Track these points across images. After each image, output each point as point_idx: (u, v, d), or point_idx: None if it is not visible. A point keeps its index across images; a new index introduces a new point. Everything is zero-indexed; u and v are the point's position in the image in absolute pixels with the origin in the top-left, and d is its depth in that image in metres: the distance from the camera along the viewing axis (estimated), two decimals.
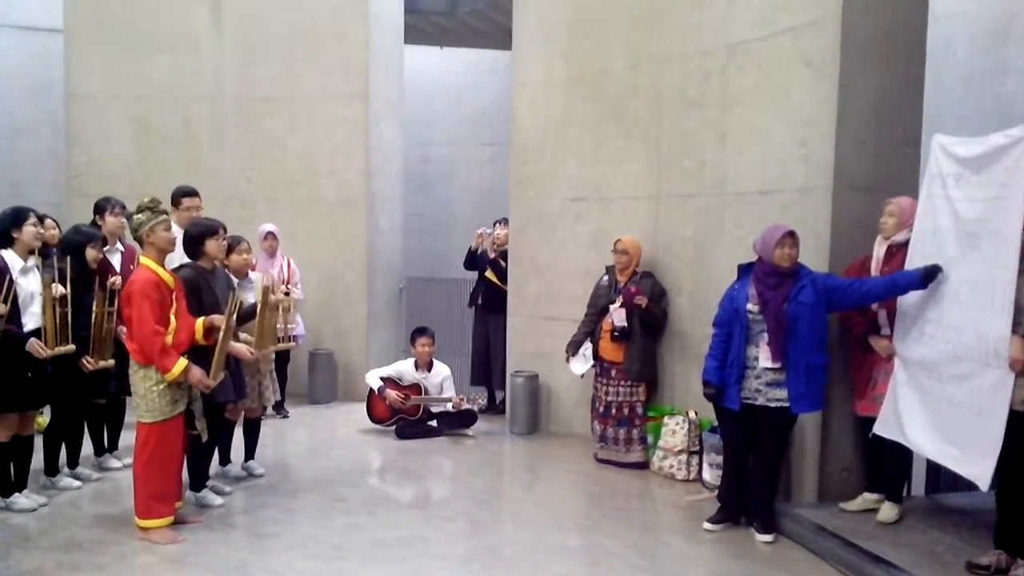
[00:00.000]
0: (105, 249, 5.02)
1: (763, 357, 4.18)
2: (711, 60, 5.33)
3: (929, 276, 3.86)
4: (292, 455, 5.80)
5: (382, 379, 6.31)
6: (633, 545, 4.19)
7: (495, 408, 7.08)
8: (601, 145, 6.11)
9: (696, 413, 5.32)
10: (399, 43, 8.11)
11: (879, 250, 4.30)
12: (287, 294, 5.33)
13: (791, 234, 4.18)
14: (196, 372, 4.05)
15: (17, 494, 4.44)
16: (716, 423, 4.80)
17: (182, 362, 4.00)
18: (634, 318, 5.42)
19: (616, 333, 5.43)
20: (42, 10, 8.24)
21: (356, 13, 7.34)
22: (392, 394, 6.22)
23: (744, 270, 4.39)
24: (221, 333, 4.14)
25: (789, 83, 4.82)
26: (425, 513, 4.73)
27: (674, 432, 5.32)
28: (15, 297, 4.23)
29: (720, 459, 4.95)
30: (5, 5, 8.44)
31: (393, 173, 7.97)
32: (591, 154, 6.16)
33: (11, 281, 4.16)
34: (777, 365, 4.15)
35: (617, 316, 5.43)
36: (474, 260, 7.17)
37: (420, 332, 6.47)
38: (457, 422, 6.37)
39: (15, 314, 4.25)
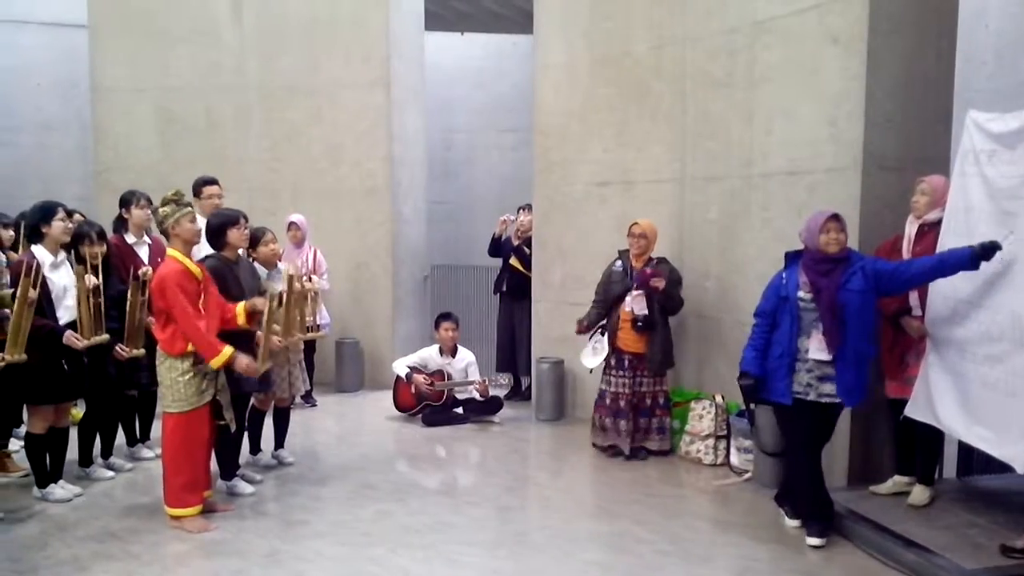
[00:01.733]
0: (132, 242, 5.08)
1: (814, 348, 3.93)
2: (737, 38, 5.24)
3: (983, 255, 3.57)
4: (321, 443, 5.85)
5: (408, 367, 6.35)
6: (661, 531, 4.18)
7: (520, 394, 7.08)
8: (625, 128, 6.05)
9: (723, 397, 5.29)
10: (420, 29, 8.08)
11: (910, 229, 4.20)
12: (310, 279, 5.35)
13: (835, 217, 3.92)
14: (243, 359, 4.12)
15: (53, 485, 4.53)
16: (743, 407, 4.76)
17: (228, 350, 4.05)
18: (654, 306, 5.21)
19: (639, 323, 5.20)
20: (67, 7, 8.32)
21: (376, 0, 7.32)
22: (419, 378, 6.25)
23: (792, 258, 4.12)
24: (265, 319, 4.21)
25: (816, 60, 4.73)
26: (452, 499, 4.75)
27: (701, 417, 5.29)
28: (48, 292, 4.29)
29: (748, 443, 4.92)
30: (31, 3, 8.54)
31: (416, 161, 7.96)
32: (615, 137, 6.11)
33: (41, 274, 4.21)
34: (829, 357, 3.90)
35: (637, 304, 5.20)
36: (498, 247, 7.15)
37: (444, 317, 6.49)
38: (483, 409, 6.38)
39: (49, 308, 4.31)
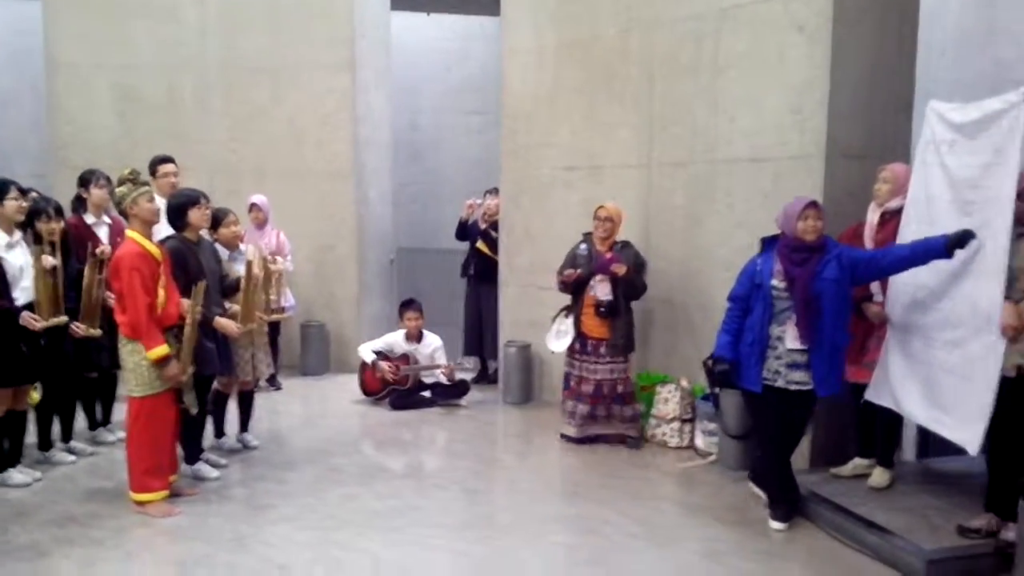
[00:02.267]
0: (92, 222, 4.98)
1: (789, 338, 3.93)
2: (704, 24, 5.26)
3: (957, 244, 3.57)
4: (286, 427, 5.80)
5: (374, 352, 6.32)
6: (628, 513, 4.23)
7: (487, 378, 7.09)
8: (593, 113, 6.05)
9: (688, 381, 5.35)
10: (385, 10, 7.98)
11: (872, 217, 4.28)
12: (274, 261, 5.29)
13: (814, 204, 3.91)
14: (173, 367, 4.03)
15: (11, 469, 4.44)
16: (708, 390, 4.82)
17: (164, 348, 3.98)
18: (618, 291, 5.16)
19: (603, 308, 5.16)
20: None
21: None
22: (384, 366, 6.22)
23: (767, 243, 4.10)
24: (188, 324, 4.10)
25: (782, 48, 4.78)
26: (419, 483, 4.75)
27: (667, 400, 5.35)
28: (3, 273, 4.18)
29: (712, 426, 4.99)
30: None
31: (382, 143, 7.89)
32: (583, 122, 6.11)
33: None
34: (803, 347, 3.91)
35: (601, 290, 5.16)
36: (465, 231, 7.12)
37: (406, 305, 6.46)
38: (450, 392, 6.38)
39: (4, 289, 4.20)
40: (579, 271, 5.21)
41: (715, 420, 4.93)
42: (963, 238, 3.57)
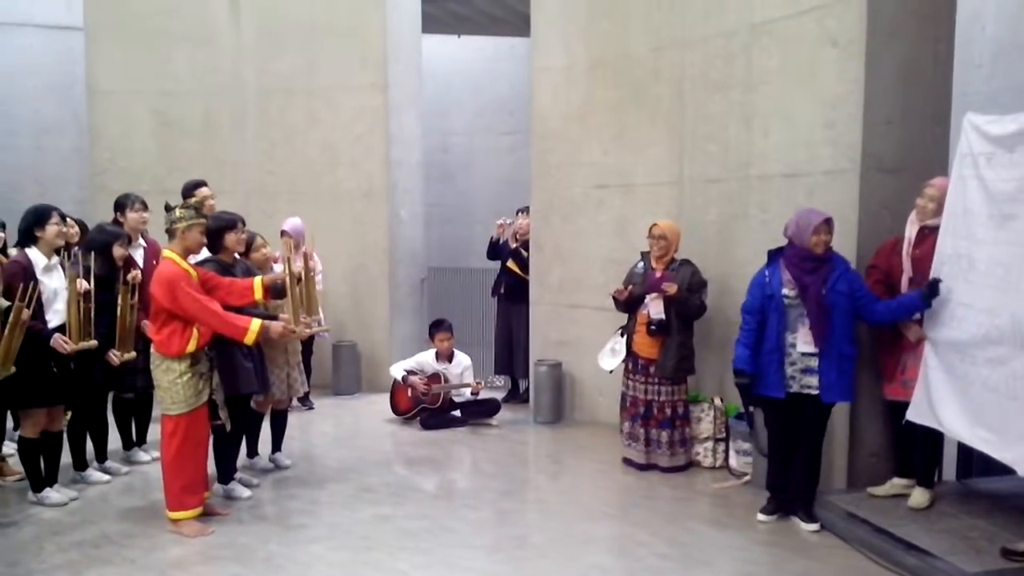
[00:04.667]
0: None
1: (801, 343, 4.11)
2: (735, 41, 5.24)
3: (931, 295, 3.92)
4: (318, 446, 5.82)
5: (405, 371, 6.34)
6: (662, 534, 4.16)
7: (518, 397, 7.06)
8: (623, 131, 6.04)
9: (722, 400, 5.27)
10: (417, 32, 8.07)
11: (911, 231, 4.21)
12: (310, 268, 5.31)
13: (828, 222, 4.10)
14: (276, 325, 4.14)
15: (48, 489, 4.51)
16: (741, 409, 4.75)
17: (257, 322, 4.06)
18: (671, 310, 5.04)
19: (653, 327, 5.04)
20: (64, 9, 8.29)
21: (374, 2, 7.31)
22: (415, 379, 6.23)
23: (773, 255, 4.30)
24: (289, 278, 4.25)
25: (815, 63, 4.73)
26: (451, 503, 4.73)
27: (700, 420, 5.27)
28: (39, 295, 4.27)
29: (747, 446, 4.91)
30: (28, 4, 8.51)
31: (413, 163, 7.95)
32: (613, 140, 6.10)
33: (35, 280, 4.19)
34: (815, 350, 4.08)
35: (654, 307, 5.04)
36: (496, 250, 7.13)
37: (437, 326, 6.46)
38: (481, 412, 6.37)
39: (39, 311, 4.29)
40: (631, 288, 5.15)
41: (749, 440, 4.84)
42: (932, 287, 3.92)
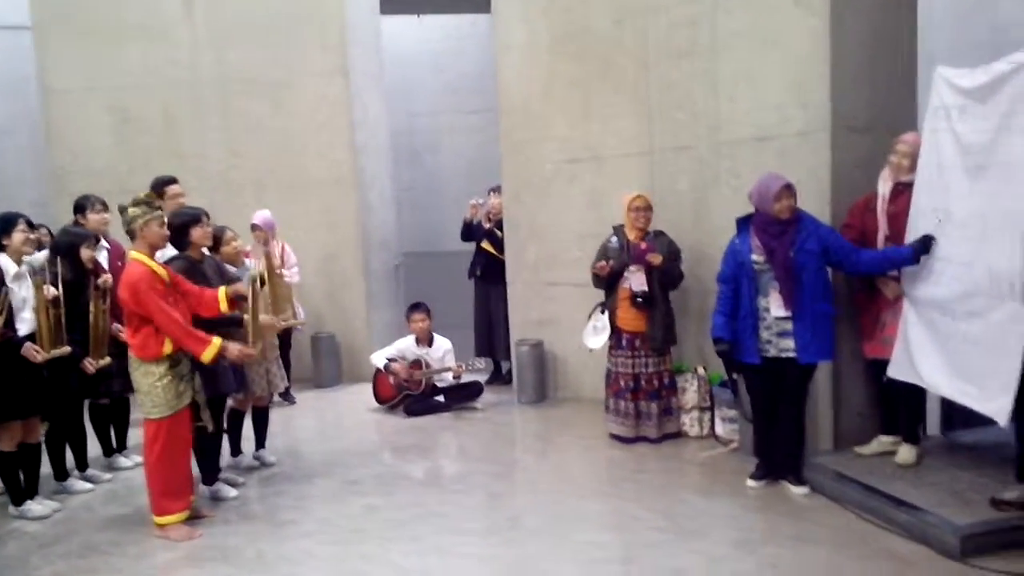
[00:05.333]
0: None
1: (774, 307, 4.14)
2: (697, 6, 5.20)
3: (923, 250, 3.89)
4: (302, 440, 5.76)
5: (386, 359, 6.28)
6: (655, 507, 4.16)
7: (501, 379, 7.04)
8: (590, 104, 5.99)
9: (705, 369, 5.28)
10: (375, 15, 7.93)
11: (884, 188, 4.21)
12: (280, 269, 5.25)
13: (789, 187, 4.11)
14: (234, 347, 4.04)
15: (30, 501, 4.40)
16: (725, 377, 4.76)
17: (217, 340, 3.97)
18: (654, 281, 5.05)
19: (638, 299, 5.03)
20: (12, 7, 8.02)
21: None
22: (397, 366, 6.18)
23: (742, 222, 4.32)
24: (250, 301, 4.15)
25: (780, 25, 4.71)
26: (440, 489, 4.70)
27: (684, 390, 5.28)
28: (9, 304, 4.15)
29: (732, 413, 4.93)
30: None
31: (380, 148, 7.84)
32: (581, 114, 6.04)
33: (5, 288, 4.07)
34: (788, 314, 4.11)
35: (636, 280, 5.03)
36: (470, 231, 7.06)
37: (413, 308, 6.43)
38: (464, 395, 6.33)
39: (9, 320, 4.17)
40: (611, 263, 5.11)
41: (734, 406, 4.86)
42: (925, 242, 3.88)
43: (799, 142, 4.64)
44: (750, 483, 4.36)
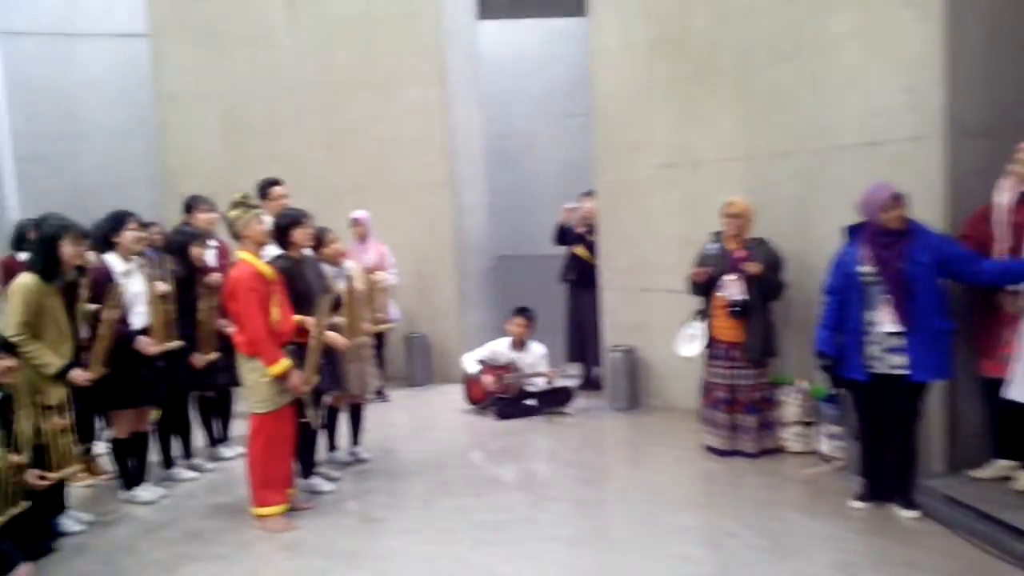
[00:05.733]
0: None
1: (884, 321, 3.95)
2: (802, 7, 5.03)
3: None
4: (395, 438, 5.85)
5: (479, 362, 6.31)
6: (751, 523, 4.04)
7: (592, 385, 6.98)
8: (689, 107, 5.87)
9: (808, 383, 5.09)
10: (472, 20, 8.01)
11: (1002, 198, 3.96)
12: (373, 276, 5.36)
13: (897, 196, 3.92)
14: (295, 377, 4.11)
15: (138, 487, 4.63)
16: (829, 392, 4.58)
17: (285, 363, 4.06)
18: (752, 290, 4.87)
19: (735, 308, 4.87)
20: (130, 17, 8.46)
21: None
22: (487, 379, 6.20)
23: (852, 231, 4.14)
24: (312, 338, 4.19)
25: (891, 24, 4.51)
26: (530, 494, 4.68)
27: (786, 404, 5.10)
28: (122, 300, 4.36)
29: (837, 429, 4.74)
30: (95, 16, 8.72)
31: (475, 152, 7.91)
32: (678, 117, 5.94)
33: (114, 284, 4.27)
34: (898, 329, 3.90)
35: (733, 289, 4.87)
36: (563, 235, 7.05)
37: (517, 312, 6.42)
38: (555, 400, 6.31)
39: (123, 316, 4.38)
40: (707, 269, 4.99)
41: (840, 423, 4.66)
42: None
43: (911, 148, 4.43)
44: (855, 504, 4.18)
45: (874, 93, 4.63)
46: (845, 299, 4.08)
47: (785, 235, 5.22)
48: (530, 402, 6.29)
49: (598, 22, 6.41)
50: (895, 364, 3.94)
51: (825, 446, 4.89)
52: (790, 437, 5.08)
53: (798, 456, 5.01)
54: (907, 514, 4.02)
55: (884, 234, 3.95)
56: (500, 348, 6.38)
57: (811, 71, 5.02)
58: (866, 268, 4.00)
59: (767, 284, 4.90)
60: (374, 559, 3.81)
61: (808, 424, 5.04)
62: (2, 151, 7.77)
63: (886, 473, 4.13)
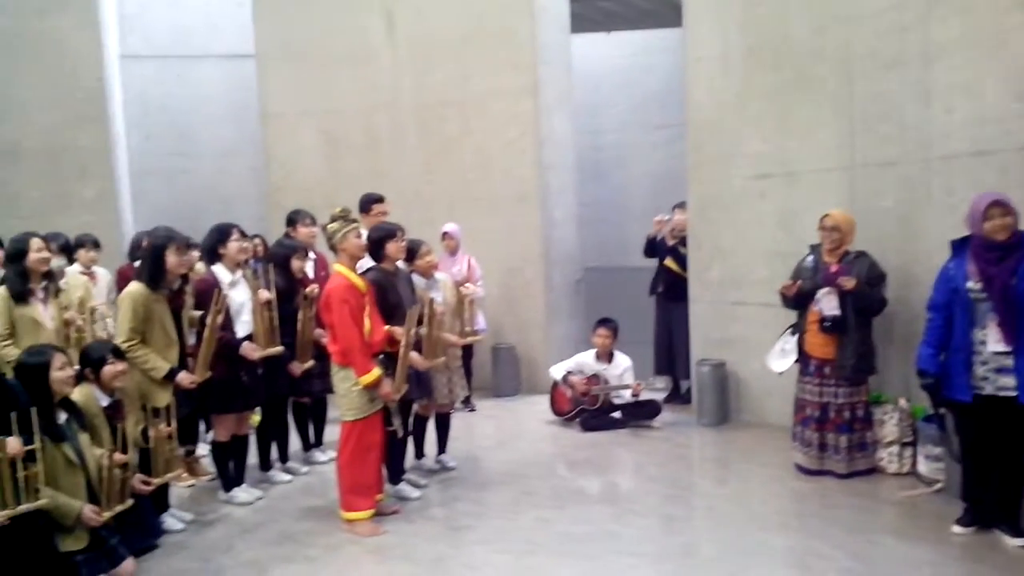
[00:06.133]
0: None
1: (991, 340, 3.74)
2: (907, 13, 4.85)
3: None
4: (481, 448, 5.90)
5: (564, 374, 6.33)
6: (843, 546, 3.88)
7: (680, 398, 6.87)
8: (786, 117, 5.73)
9: (908, 400, 4.87)
10: (566, 33, 8.04)
11: None
12: (464, 287, 5.44)
13: (997, 203, 3.71)
14: (385, 386, 4.22)
15: (237, 488, 4.83)
16: (930, 411, 4.37)
17: (376, 372, 4.17)
18: (847, 306, 4.71)
19: (827, 324, 4.71)
20: (238, 39, 8.91)
21: (522, 8, 7.34)
22: (575, 379, 6.20)
23: (958, 246, 3.95)
24: (402, 347, 4.28)
25: (1003, 30, 4.31)
26: (614, 508, 4.64)
27: (883, 422, 4.89)
28: (227, 308, 4.57)
29: (938, 451, 4.51)
30: (207, 38, 9.23)
31: (565, 165, 7.92)
32: (775, 127, 5.80)
33: (222, 293, 4.49)
34: (1008, 348, 3.69)
35: (827, 303, 4.71)
36: (654, 248, 6.97)
37: (601, 323, 6.40)
38: (641, 413, 6.24)
39: (228, 324, 4.60)
40: (799, 283, 4.84)
41: (940, 444, 4.44)
42: None
43: (1022, 158, 4.19)
44: (956, 529, 3.97)
45: (983, 101, 4.44)
46: (950, 316, 3.89)
47: (887, 247, 5.03)
48: (616, 415, 6.24)
49: (694, 31, 6.33)
50: (1003, 386, 3.73)
51: (924, 467, 4.66)
52: (887, 457, 4.87)
53: (894, 477, 4.80)
54: (1013, 541, 3.78)
55: (992, 248, 3.75)
56: (586, 360, 6.36)
57: (916, 79, 4.84)
58: (972, 284, 3.81)
59: (865, 299, 4.69)
60: (458, 566, 3.85)
61: (907, 444, 4.81)
62: (120, 167, 8.26)
63: (990, 497, 3.90)
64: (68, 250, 5.77)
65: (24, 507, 3.11)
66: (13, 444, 3.10)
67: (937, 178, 4.74)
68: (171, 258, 4.25)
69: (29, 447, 3.19)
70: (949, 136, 4.64)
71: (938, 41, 4.67)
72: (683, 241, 6.65)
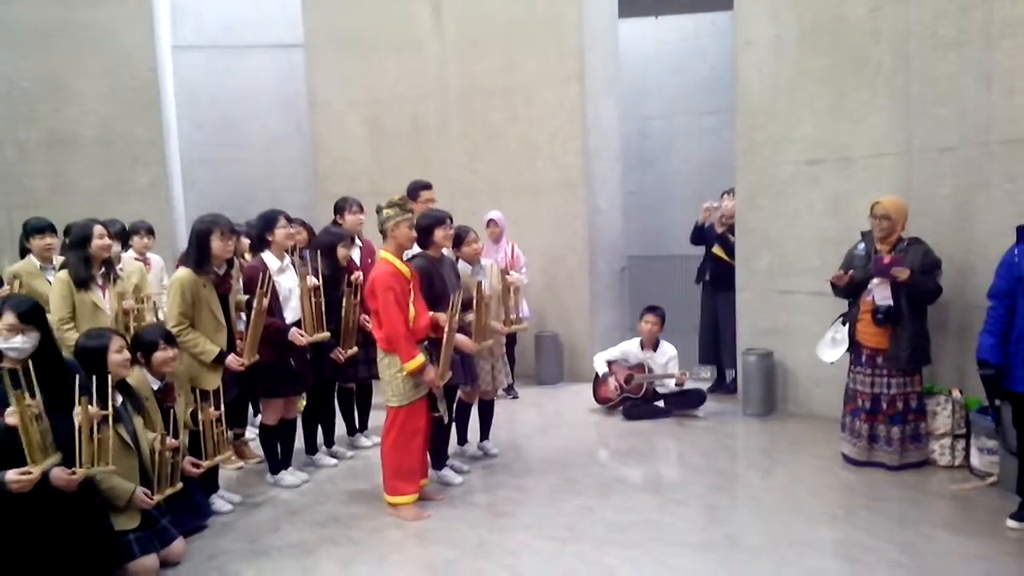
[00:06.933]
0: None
1: None
2: None
3: None
4: (523, 435, 5.91)
5: (608, 362, 6.28)
6: (892, 539, 3.80)
7: (725, 388, 6.78)
8: (840, 100, 5.59)
9: (961, 392, 4.74)
10: (613, 19, 7.96)
11: None
12: (508, 274, 5.43)
13: None
14: (430, 372, 4.24)
15: (284, 471, 4.91)
16: (984, 402, 4.24)
17: (420, 359, 4.19)
18: (901, 295, 4.59)
19: (879, 315, 4.61)
20: (287, 28, 9.01)
21: None
22: (612, 382, 6.17)
23: (1023, 231, 3.80)
24: (445, 335, 4.29)
25: None
26: (657, 496, 4.60)
27: (935, 414, 4.77)
28: (275, 294, 4.64)
29: (992, 443, 4.38)
30: (256, 28, 9.35)
31: (611, 152, 7.86)
32: (828, 111, 5.66)
33: (270, 279, 4.56)
34: None
35: (879, 293, 4.61)
36: (701, 235, 6.88)
37: (649, 309, 6.35)
38: (685, 402, 6.18)
39: (277, 309, 4.66)
40: (850, 273, 4.74)
41: (995, 436, 4.31)
42: None
43: None
44: (1011, 523, 3.86)
45: None
46: (1012, 304, 3.78)
47: (943, 234, 4.89)
48: (659, 403, 6.19)
49: (745, 14, 6.20)
50: None
51: (977, 460, 4.53)
52: (939, 449, 4.75)
53: (946, 470, 4.69)
54: None
55: None
56: (631, 348, 6.31)
57: (977, 60, 4.67)
58: None
59: (918, 288, 4.56)
60: (500, 552, 3.86)
61: (959, 436, 4.68)
62: (172, 156, 8.44)
63: None
64: (123, 237, 5.91)
65: (96, 469, 3.16)
66: (93, 408, 3.15)
67: (997, 163, 4.57)
68: (216, 242, 4.33)
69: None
70: (1011, 120, 4.48)
71: (1001, 21, 4.50)
72: (732, 229, 6.54)
